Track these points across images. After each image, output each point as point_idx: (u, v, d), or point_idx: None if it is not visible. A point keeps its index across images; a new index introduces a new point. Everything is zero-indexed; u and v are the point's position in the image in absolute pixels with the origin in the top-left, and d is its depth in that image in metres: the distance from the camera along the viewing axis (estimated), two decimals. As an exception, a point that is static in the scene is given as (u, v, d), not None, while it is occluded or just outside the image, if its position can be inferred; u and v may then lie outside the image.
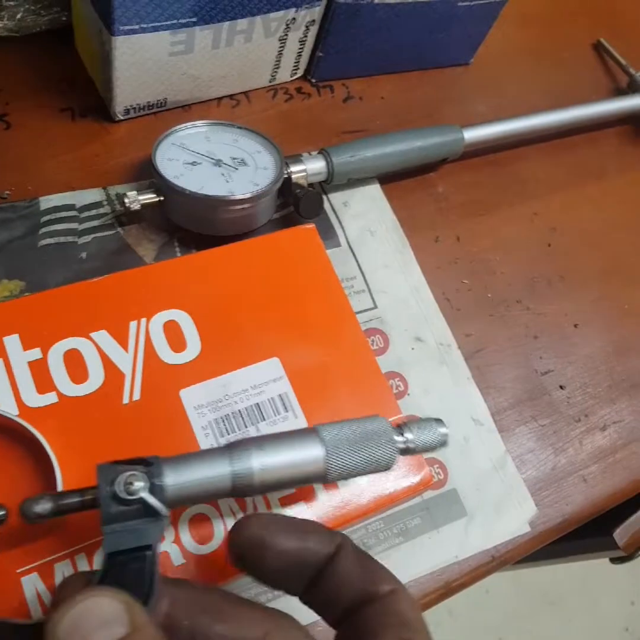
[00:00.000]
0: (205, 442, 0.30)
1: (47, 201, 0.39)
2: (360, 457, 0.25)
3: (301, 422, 0.31)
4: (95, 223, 0.39)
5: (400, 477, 0.31)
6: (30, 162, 0.40)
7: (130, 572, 0.20)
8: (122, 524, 0.21)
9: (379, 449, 0.25)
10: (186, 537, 0.28)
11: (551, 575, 1.25)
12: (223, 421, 0.30)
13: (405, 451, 0.26)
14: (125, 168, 0.42)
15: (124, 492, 0.21)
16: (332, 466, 0.25)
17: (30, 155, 0.40)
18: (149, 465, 0.22)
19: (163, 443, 0.29)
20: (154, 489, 0.22)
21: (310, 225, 0.36)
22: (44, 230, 0.38)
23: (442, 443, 0.27)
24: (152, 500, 0.21)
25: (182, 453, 0.27)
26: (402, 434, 0.26)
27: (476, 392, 0.40)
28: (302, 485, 0.26)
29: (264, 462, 0.24)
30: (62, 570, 0.26)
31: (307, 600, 0.23)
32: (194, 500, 0.24)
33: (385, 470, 0.26)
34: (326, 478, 0.25)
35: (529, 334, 0.43)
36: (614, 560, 0.53)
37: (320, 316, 0.34)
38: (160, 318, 0.32)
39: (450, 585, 0.35)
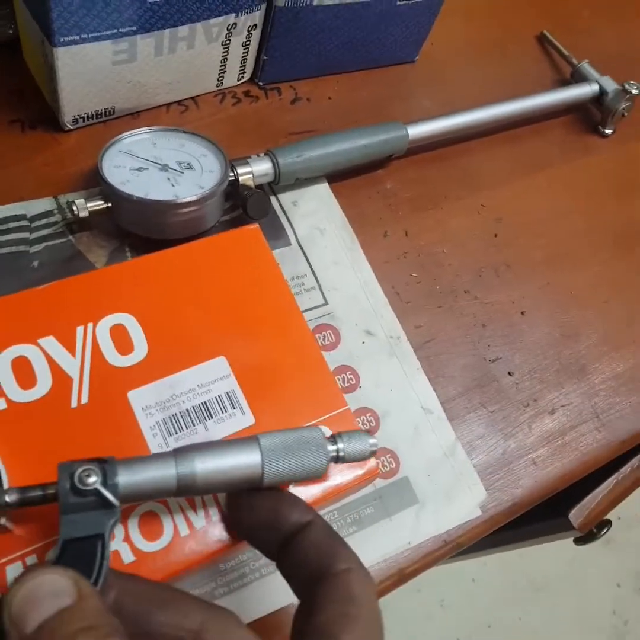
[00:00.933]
0: (153, 441, 0.31)
1: (-2, 212, 0.40)
2: (294, 463, 0.27)
3: (248, 419, 0.32)
4: (46, 232, 0.40)
5: (346, 468, 0.33)
6: (-21, 175, 0.41)
7: (83, 556, 0.23)
8: (79, 514, 0.24)
9: (311, 457, 0.28)
10: (136, 534, 0.29)
11: (536, 562, 1.27)
12: (171, 420, 0.31)
13: (337, 459, 0.29)
14: (75, 177, 0.42)
15: (80, 484, 0.24)
16: (268, 471, 0.27)
17: (-21, 167, 0.41)
18: (104, 462, 0.25)
19: (112, 444, 0.30)
20: (107, 484, 0.24)
21: (254, 226, 0.37)
22: (-6, 240, 0.39)
23: (372, 453, 0.29)
24: (104, 491, 0.24)
25: (132, 453, 0.29)
26: (334, 444, 0.29)
27: (426, 382, 0.41)
28: (242, 487, 0.27)
29: (204, 467, 0.26)
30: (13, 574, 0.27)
31: (280, 566, 0.26)
32: (143, 496, 0.26)
33: (318, 477, 0.29)
34: (262, 481, 0.27)
35: (477, 323, 0.44)
36: (577, 541, 0.55)
37: (266, 314, 0.35)
38: (107, 322, 0.32)
39: (403, 571, 0.36)
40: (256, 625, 0.33)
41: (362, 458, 0.29)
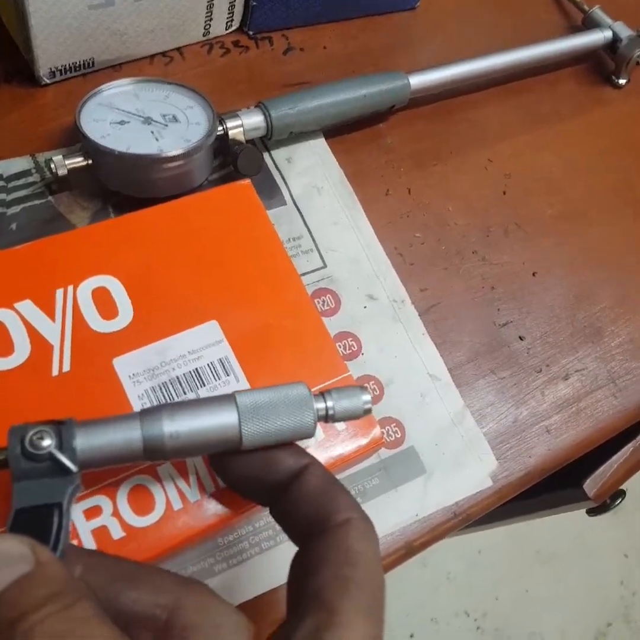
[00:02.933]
0: (141, 411, 0.29)
1: (-29, 172, 0.38)
2: (276, 423, 0.25)
3: (243, 386, 0.31)
4: (24, 192, 0.38)
5: (349, 438, 0.31)
6: (-51, 132, 0.39)
7: (37, 526, 0.21)
8: (33, 481, 0.22)
9: (296, 416, 0.25)
10: (125, 509, 0.27)
11: (543, 533, 1.27)
12: (161, 389, 0.30)
13: (326, 418, 0.26)
14: (54, 133, 0.40)
15: (32, 448, 0.22)
16: (246, 431, 0.25)
17: (-51, 124, 0.39)
18: (60, 424, 0.23)
19: (96, 414, 0.29)
20: (63, 447, 0.22)
21: (246, 181, 0.35)
22: (-31, 203, 0.37)
23: (365, 411, 0.27)
24: (59, 456, 0.22)
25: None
26: (322, 401, 0.26)
27: (432, 348, 0.39)
28: (220, 450, 0.25)
29: (174, 428, 0.24)
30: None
31: (274, 514, 0.25)
32: (106, 461, 0.24)
33: (307, 437, 0.26)
34: (241, 444, 0.25)
35: (486, 286, 0.42)
36: (590, 512, 0.54)
37: (261, 276, 0.33)
38: (89, 285, 0.31)
39: (411, 544, 0.35)
40: (256, 602, 0.32)
41: (355, 416, 0.27)
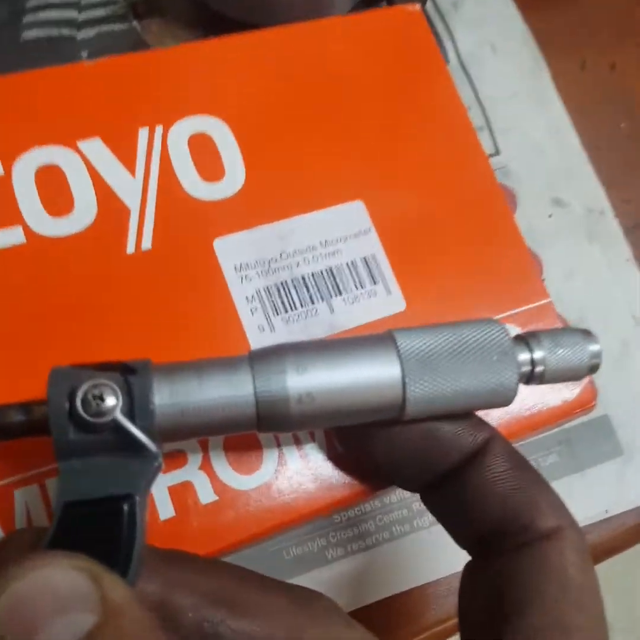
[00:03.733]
0: (250, 321, 0.21)
1: (34, -20, 0.30)
2: (459, 383, 0.17)
3: (396, 301, 0.22)
4: (101, 12, 0.32)
5: (549, 390, 0.22)
6: None
7: (98, 532, 0.14)
8: (88, 460, 0.15)
9: (490, 373, 0.17)
10: (221, 462, 0.19)
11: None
12: (278, 291, 0.21)
13: (531, 378, 0.18)
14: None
15: (86, 412, 0.15)
16: (413, 395, 0.17)
17: None
18: (129, 373, 0.15)
19: (185, 318, 0.20)
20: (134, 410, 0.15)
21: (415, 5, 0.25)
22: (29, 18, 0.31)
23: (591, 368, 0.19)
24: (129, 425, 0.15)
25: (218, 333, 0.20)
26: (528, 351, 0.18)
27: (639, 279, 0.30)
28: (363, 421, 0.17)
29: (304, 385, 0.16)
30: (23, 499, 0.18)
31: (431, 505, 0.19)
32: (197, 431, 0.16)
33: (501, 405, 0.18)
34: (403, 412, 0.17)
35: None
36: None
37: (429, 141, 0.24)
38: (185, 127, 0.22)
39: (596, 549, 0.28)
40: (381, 607, 0.24)
41: (574, 377, 0.19)
